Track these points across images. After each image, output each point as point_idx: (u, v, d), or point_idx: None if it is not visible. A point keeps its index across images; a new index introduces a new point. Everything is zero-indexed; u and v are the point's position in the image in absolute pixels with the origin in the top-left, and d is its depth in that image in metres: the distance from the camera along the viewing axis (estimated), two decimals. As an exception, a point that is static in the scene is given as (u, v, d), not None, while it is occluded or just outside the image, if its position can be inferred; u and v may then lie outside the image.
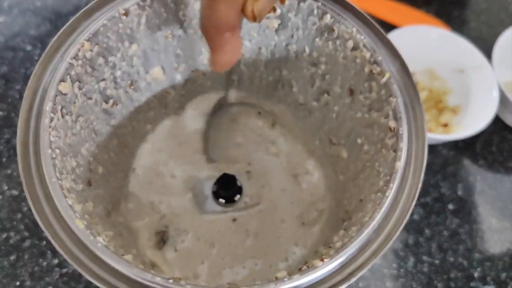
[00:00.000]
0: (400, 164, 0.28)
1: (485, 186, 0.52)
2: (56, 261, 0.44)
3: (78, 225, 0.25)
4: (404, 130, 0.29)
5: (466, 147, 0.54)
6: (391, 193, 0.27)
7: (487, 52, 0.54)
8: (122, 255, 0.26)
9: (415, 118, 0.30)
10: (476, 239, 0.49)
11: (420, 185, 0.28)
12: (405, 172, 0.28)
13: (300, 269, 0.26)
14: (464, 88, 0.55)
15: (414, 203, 0.27)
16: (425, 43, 0.55)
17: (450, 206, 0.51)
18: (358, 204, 0.32)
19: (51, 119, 0.28)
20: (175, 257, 0.39)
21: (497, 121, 0.55)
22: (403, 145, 0.29)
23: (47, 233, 0.25)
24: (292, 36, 0.37)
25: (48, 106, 0.28)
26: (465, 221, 0.50)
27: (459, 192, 0.51)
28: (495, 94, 0.51)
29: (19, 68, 0.54)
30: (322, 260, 0.25)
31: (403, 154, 0.29)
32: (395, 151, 0.29)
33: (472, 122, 0.51)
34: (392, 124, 0.30)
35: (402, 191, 0.28)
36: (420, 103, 0.30)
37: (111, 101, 0.36)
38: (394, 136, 0.30)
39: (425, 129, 0.29)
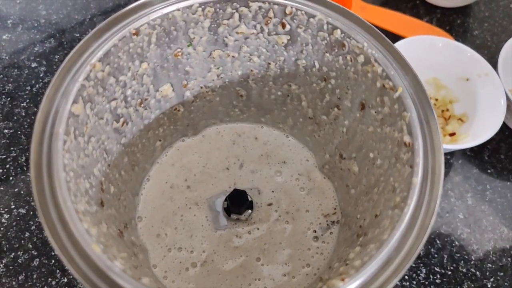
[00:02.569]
0: (417, 180, 0.28)
1: (495, 194, 0.52)
2: (65, 280, 0.43)
3: (95, 250, 0.25)
4: (419, 145, 0.29)
5: (474, 155, 0.54)
6: (409, 210, 0.27)
7: (492, 59, 0.54)
8: (139, 278, 0.25)
9: (430, 132, 0.30)
10: (488, 248, 0.49)
11: (438, 201, 0.27)
12: (422, 187, 0.28)
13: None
14: (471, 97, 0.54)
15: (433, 219, 0.27)
16: (430, 52, 0.55)
17: (460, 216, 0.50)
18: (373, 220, 0.32)
19: (65, 142, 0.28)
20: (199, 279, 0.39)
21: (504, 128, 0.55)
22: (419, 160, 0.29)
23: (63, 259, 0.25)
24: (301, 51, 0.37)
25: (61, 129, 0.28)
26: (476, 230, 0.49)
27: (469, 202, 0.51)
28: (503, 102, 0.51)
29: (25, 85, 0.54)
30: (343, 280, 0.25)
31: (420, 170, 0.28)
32: (411, 166, 0.29)
33: (479, 131, 0.51)
34: (407, 139, 0.30)
35: (420, 207, 0.28)
36: (434, 116, 0.30)
37: (121, 120, 0.36)
38: (409, 151, 0.29)
39: (441, 143, 0.29)
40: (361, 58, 0.33)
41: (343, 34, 0.34)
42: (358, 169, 0.38)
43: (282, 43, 0.37)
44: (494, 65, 0.53)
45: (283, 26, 0.36)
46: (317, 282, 0.36)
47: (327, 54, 0.36)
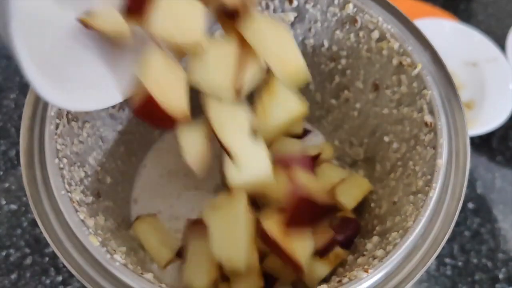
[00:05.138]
0: (442, 162, 0.26)
1: (504, 183, 0.50)
2: (60, 278, 0.41)
3: (93, 242, 0.23)
4: (443, 125, 0.27)
5: (482, 143, 0.53)
6: (434, 194, 0.25)
7: (497, 44, 0.53)
8: (142, 273, 0.23)
9: (453, 112, 0.28)
10: (499, 238, 0.47)
11: (465, 184, 0.26)
12: (447, 170, 0.26)
13: (339, 281, 0.23)
14: (478, 82, 0.53)
15: (460, 203, 0.25)
16: (436, 37, 0.53)
17: (470, 205, 0.49)
18: (391, 207, 0.30)
19: (57, 126, 0.26)
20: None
21: (512, 114, 0.54)
22: (443, 141, 0.27)
23: (58, 253, 0.23)
24: (309, 29, 0.35)
25: (53, 112, 0.26)
26: (486, 220, 0.48)
27: (478, 190, 0.50)
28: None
29: (13, 76, 0.52)
30: (366, 271, 0.23)
31: (444, 151, 0.26)
32: (434, 148, 0.27)
33: (488, 118, 0.49)
34: (428, 119, 0.28)
35: (446, 190, 0.26)
36: (456, 95, 0.28)
37: (117, 105, 0.34)
38: (431, 131, 0.28)
39: (465, 122, 0.27)
40: (375, 34, 0.31)
41: (355, 9, 0.32)
42: (371, 155, 0.36)
43: (289, 20, 0.35)
44: (502, 50, 0.52)
45: (290, 2, 0.34)
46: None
47: (338, 32, 0.34)
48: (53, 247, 0.23)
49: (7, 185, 0.45)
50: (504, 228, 0.48)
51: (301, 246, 0.26)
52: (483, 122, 0.49)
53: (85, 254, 0.23)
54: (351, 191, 0.35)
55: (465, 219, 0.48)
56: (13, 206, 0.44)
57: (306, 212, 0.26)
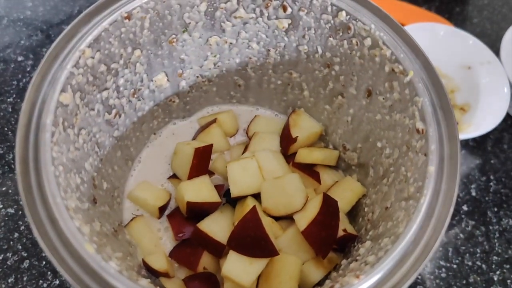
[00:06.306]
0: (433, 168, 0.26)
1: (499, 185, 0.50)
2: (57, 281, 0.41)
3: (88, 250, 0.23)
4: (434, 132, 0.27)
5: (477, 145, 0.53)
6: (426, 200, 0.25)
7: (492, 48, 0.53)
8: (137, 279, 0.24)
9: (445, 118, 0.28)
10: (494, 241, 0.47)
11: (457, 190, 0.26)
12: (438, 176, 0.26)
13: (332, 286, 0.24)
14: (473, 85, 0.53)
15: (451, 210, 0.25)
16: (431, 40, 0.54)
17: (465, 208, 0.49)
18: (383, 212, 0.30)
19: (53, 133, 0.26)
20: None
21: (507, 117, 0.54)
22: (435, 147, 0.27)
23: (53, 260, 0.23)
24: (303, 36, 0.35)
25: (48, 119, 0.26)
26: (480, 222, 0.48)
27: (473, 193, 0.50)
28: (506, 90, 0.50)
29: (11, 80, 0.52)
30: (357, 277, 0.23)
31: (435, 157, 0.27)
32: (425, 154, 0.27)
33: (483, 120, 0.49)
34: (419, 125, 0.28)
35: (437, 196, 0.26)
36: (448, 101, 0.28)
37: (114, 111, 0.34)
38: (422, 138, 0.28)
39: (456, 129, 0.27)
40: (368, 41, 0.32)
41: (348, 16, 0.32)
42: (364, 160, 0.36)
43: (283, 27, 0.35)
44: (495, 53, 0.52)
45: (284, 9, 0.34)
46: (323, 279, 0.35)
47: (331, 39, 0.34)
48: (48, 255, 0.23)
49: (4, 188, 0.45)
50: (499, 230, 0.48)
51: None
52: (478, 125, 0.49)
53: (81, 261, 0.23)
54: (345, 195, 0.36)
55: (459, 222, 0.48)
56: (10, 210, 0.44)
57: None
